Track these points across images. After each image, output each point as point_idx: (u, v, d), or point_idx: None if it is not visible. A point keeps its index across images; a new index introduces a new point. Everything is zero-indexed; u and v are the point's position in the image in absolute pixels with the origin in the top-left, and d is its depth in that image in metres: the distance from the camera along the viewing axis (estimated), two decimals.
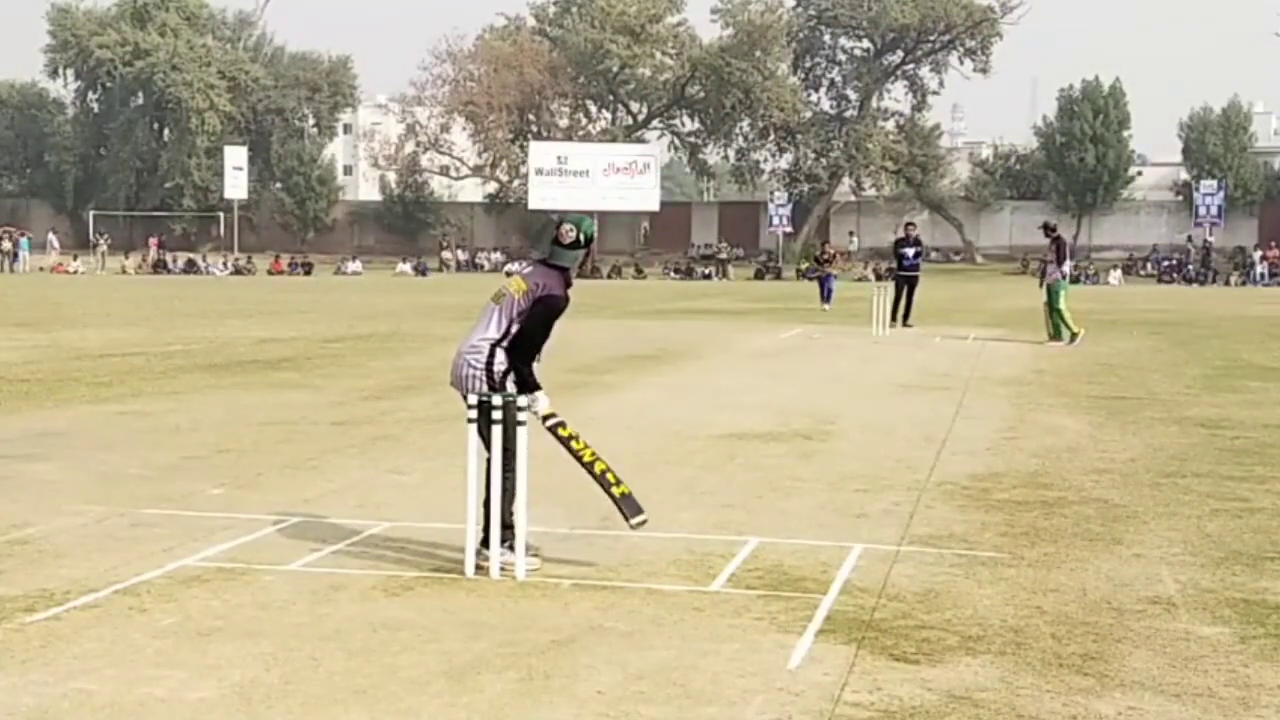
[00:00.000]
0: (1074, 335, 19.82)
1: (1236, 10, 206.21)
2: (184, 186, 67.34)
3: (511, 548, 6.12)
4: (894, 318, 23.31)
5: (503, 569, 6.11)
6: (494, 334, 6.29)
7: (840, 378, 15.34)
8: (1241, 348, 20.27)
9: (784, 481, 8.59)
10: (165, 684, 4.64)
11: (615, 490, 6.50)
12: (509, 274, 6.54)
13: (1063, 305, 20.29)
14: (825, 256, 32.30)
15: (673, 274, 57.71)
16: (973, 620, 5.51)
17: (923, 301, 24.92)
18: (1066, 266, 20.81)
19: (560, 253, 6.42)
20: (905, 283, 24.32)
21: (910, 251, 24.87)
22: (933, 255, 64.12)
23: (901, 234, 25.87)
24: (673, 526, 7.22)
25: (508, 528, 6.12)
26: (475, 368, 6.27)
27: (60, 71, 70.85)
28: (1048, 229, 21.24)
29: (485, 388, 6.21)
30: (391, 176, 68.77)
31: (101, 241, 58.58)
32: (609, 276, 56.40)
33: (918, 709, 4.48)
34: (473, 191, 72.34)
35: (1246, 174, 62.69)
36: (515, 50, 65.02)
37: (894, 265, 25.51)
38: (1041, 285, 20.81)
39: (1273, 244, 56.96)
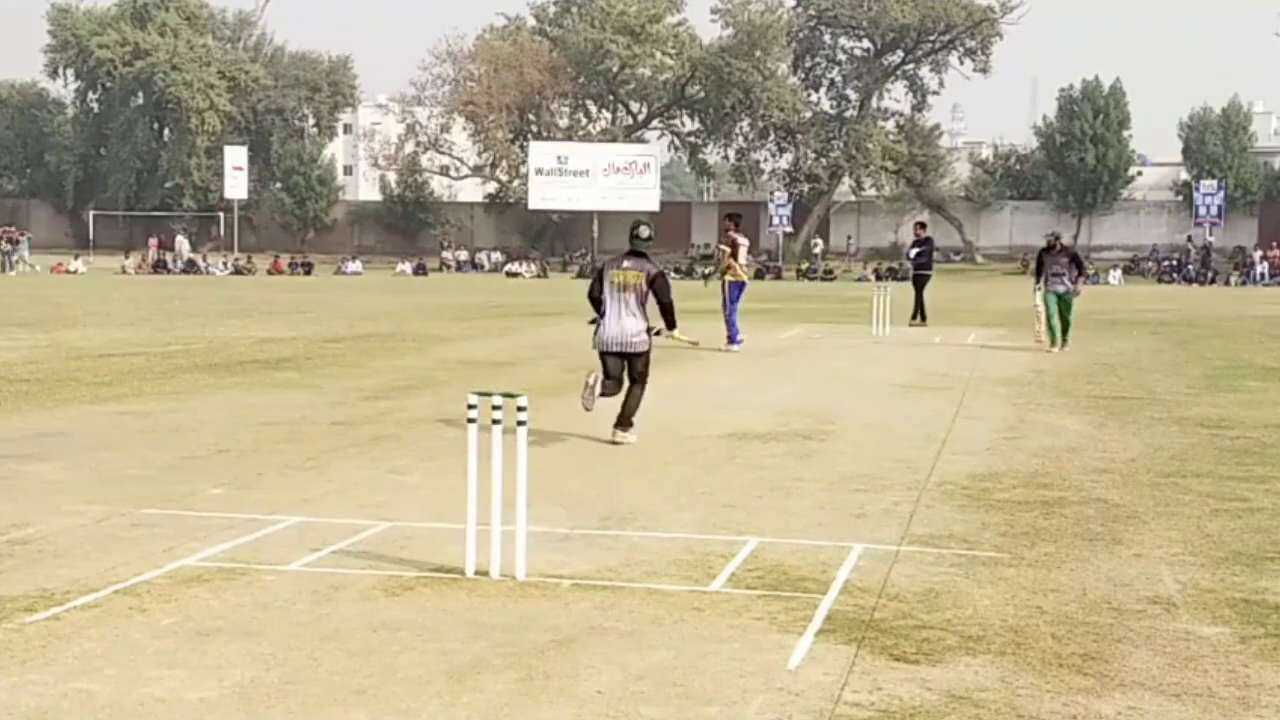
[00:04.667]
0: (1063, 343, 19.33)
1: (1236, 10, 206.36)
2: (184, 186, 67.38)
3: (626, 429, 10.01)
4: (914, 316, 23.76)
5: (616, 441, 9.92)
6: (642, 313, 10.12)
7: (840, 378, 15.34)
8: (1241, 348, 20.27)
9: (784, 481, 8.59)
10: (165, 684, 4.64)
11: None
12: (618, 268, 10.19)
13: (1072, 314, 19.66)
14: (723, 250, 19.45)
15: (673, 274, 57.67)
16: (973, 620, 5.51)
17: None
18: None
19: (641, 244, 10.33)
20: (914, 281, 24.48)
21: (913, 251, 24.94)
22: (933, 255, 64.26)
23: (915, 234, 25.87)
24: (673, 526, 7.22)
25: (631, 421, 10.07)
26: (642, 334, 10.12)
27: (60, 71, 70.90)
28: (1058, 238, 20.46)
29: (648, 345, 10.21)
30: (391, 176, 68.76)
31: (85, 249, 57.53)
32: None
33: (918, 709, 4.48)
34: (473, 191, 72.32)
35: (1246, 174, 62.68)
36: (515, 50, 64.99)
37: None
38: (1072, 291, 19.29)
39: (1273, 244, 56.96)
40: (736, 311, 18.77)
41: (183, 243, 60.13)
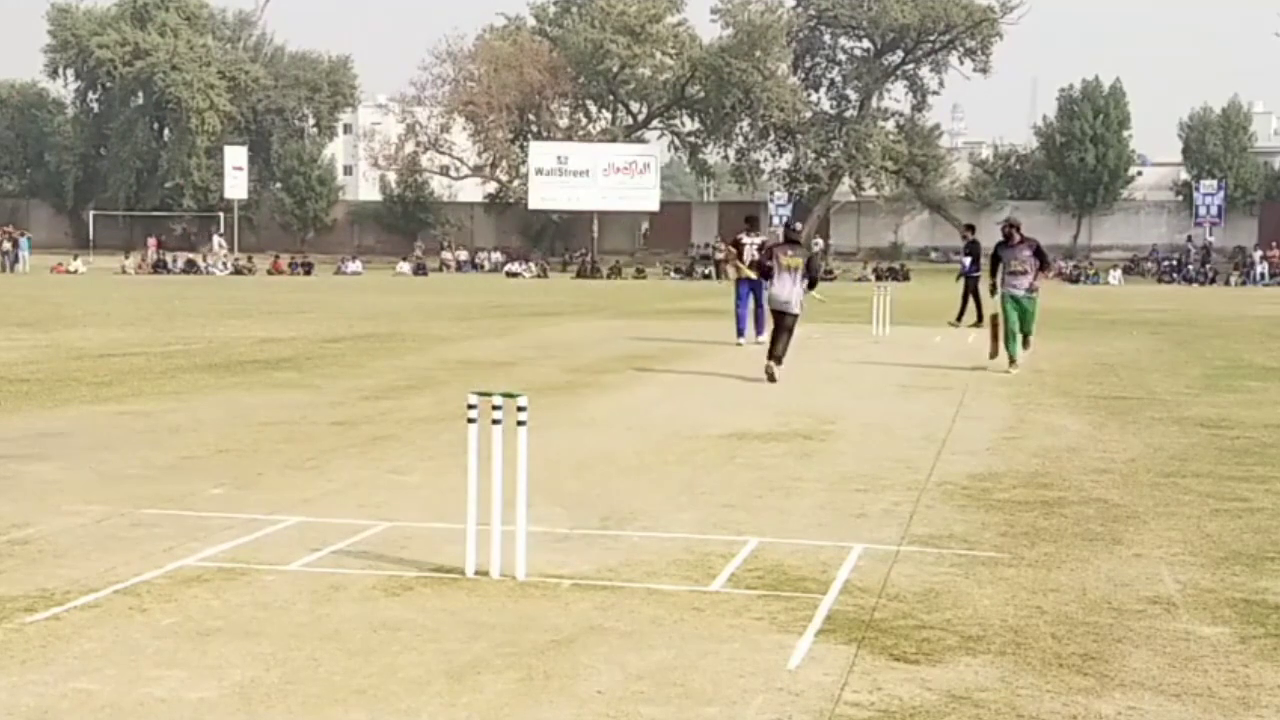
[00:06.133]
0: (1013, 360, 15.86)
1: (1236, 10, 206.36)
2: (184, 186, 67.36)
3: (778, 364, 14.50)
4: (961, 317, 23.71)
5: (770, 373, 14.38)
6: (804, 283, 14.93)
7: (840, 378, 15.34)
8: (1241, 348, 20.28)
9: (784, 481, 8.59)
10: (165, 684, 4.64)
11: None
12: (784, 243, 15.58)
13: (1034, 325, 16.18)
14: (730, 250, 21.40)
15: (673, 274, 57.67)
16: (973, 620, 5.51)
17: (922, 301, 24.90)
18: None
19: (795, 234, 15.97)
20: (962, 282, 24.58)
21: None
22: (932, 255, 64.33)
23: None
24: (673, 526, 7.22)
25: (782, 358, 14.58)
26: (800, 298, 14.94)
27: (60, 71, 70.87)
28: (1016, 228, 16.16)
29: (799, 306, 14.98)
30: (391, 176, 68.75)
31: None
32: (609, 276, 56.37)
33: (918, 709, 4.48)
34: (473, 191, 72.33)
35: (1246, 174, 62.70)
36: (515, 50, 64.99)
37: None
38: (1032, 292, 15.86)
39: (1273, 244, 56.97)
40: (746, 309, 19.67)
41: (220, 242, 60.27)
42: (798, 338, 15.41)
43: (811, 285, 15.23)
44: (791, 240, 15.51)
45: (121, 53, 67.84)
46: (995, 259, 16.37)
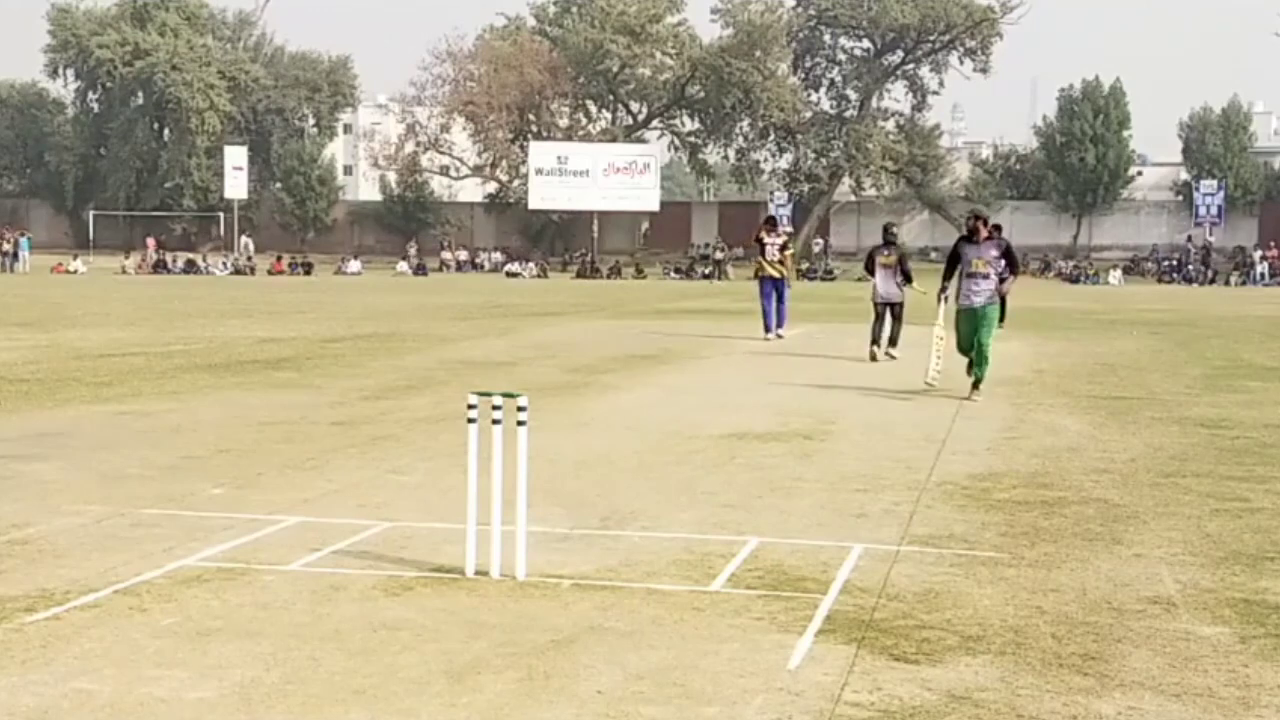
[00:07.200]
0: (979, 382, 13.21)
1: (1236, 10, 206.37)
2: (184, 186, 67.36)
3: (893, 347, 17.26)
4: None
5: (891, 355, 17.06)
6: (902, 280, 17.42)
7: (840, 377, 15.33)
8: (1241, 348, 20.28)
9: (784, 481, 8.59)
10: (165, 684, 4.64)
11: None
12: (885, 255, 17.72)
13: (993, 337, 13.37)
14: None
15: (673, 274, 57.68)
16: (973, 620, 5.51)
17: (920, 301, 24.80)
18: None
19: (892, 237, 17.93)
20: None
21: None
22: (932, 255, 64.28)
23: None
24: (673, 526, 7.22)
25: (896, 342, 17.29)
26: (901, 290, 17.43)
27: (60, 71, 70.87)
28: (983, 220, 13.50)
29: (903, 298, 17.43)
30: (391, 176, 68.73)
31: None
32: (609, 276, 56.38)
33: (918, 709, 4.48)
34: (473, 191, 72.30)
35: (1246, 174, 62.70)
36: (515, 50, 64.98)
37: None
38: (994, 299, 13.26)
39: (1273, 244, 56.97)
40: (771, 304, 20.76)
41: (248, 243, 60.48)
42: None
43: (907, 280, 17.57)
44: (889, 242, 17.77)
45: (121, 53, 67.82)
46: (954, 257, 13.31)
